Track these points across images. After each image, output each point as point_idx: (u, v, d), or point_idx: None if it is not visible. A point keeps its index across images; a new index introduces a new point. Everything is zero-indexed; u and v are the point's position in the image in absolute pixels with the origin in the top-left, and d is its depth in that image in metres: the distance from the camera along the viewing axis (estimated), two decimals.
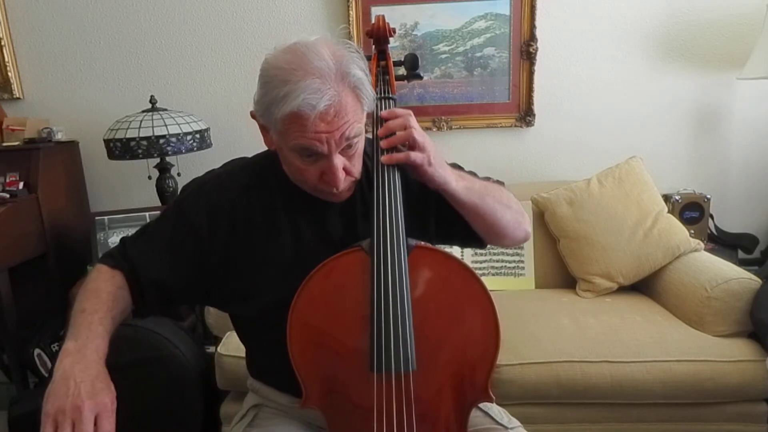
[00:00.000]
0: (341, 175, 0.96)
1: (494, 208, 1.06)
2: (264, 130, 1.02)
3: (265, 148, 1.14)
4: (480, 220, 1.07)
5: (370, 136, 1.11)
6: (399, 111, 1.00)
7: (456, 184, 1.00)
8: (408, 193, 1.07)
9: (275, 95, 0.91)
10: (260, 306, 1.09)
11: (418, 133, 0.97)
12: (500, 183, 1.18)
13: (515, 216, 1.11)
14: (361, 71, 0.95)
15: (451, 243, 1.20)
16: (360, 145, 1.00)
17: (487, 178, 1.17)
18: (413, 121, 0.98)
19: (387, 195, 1.00)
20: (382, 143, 0.99)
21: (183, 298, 1.16)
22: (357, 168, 1.01)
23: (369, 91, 0.97)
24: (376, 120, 1.06)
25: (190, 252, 1.07)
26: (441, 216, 1.11)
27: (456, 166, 1.15)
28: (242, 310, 1.15)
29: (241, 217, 1.08)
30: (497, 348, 0.99)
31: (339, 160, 0.96)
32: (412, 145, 0.97)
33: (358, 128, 0.95)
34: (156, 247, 1.08)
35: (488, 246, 1.18)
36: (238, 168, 1.14)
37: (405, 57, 1.16)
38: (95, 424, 0.84)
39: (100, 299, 1.00)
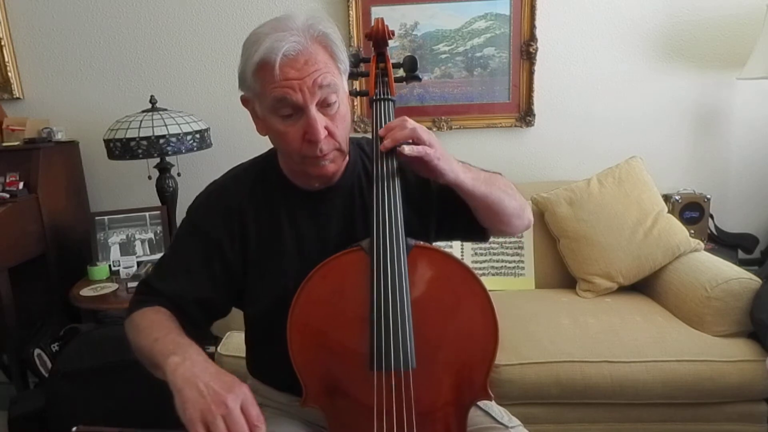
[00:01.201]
0: (321, 129, 0.96)
1: (500, 197, 1.06)
2: (253, 112, 1.03)
3: (263, 148, 1.16)
4: (487, 210, 1.07)
5: (368, 135, 1.12)
6: (394, 122, 0.99)
7: (464, 175, 1.00)
8: (408, 191, 1.08)
9: (248, 54, 0.95)
10: (262, 305, 1.10)
11: (422, 130, 0.96)
12: (498, 174, 1.17)
13: (519, 203, 1.12)
14: (331, 30, 0.97)
15: (454, 238, 1.20)
16: (342, 108, 0.99)
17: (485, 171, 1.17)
18: (411, 121, 0.97)
19: (386, 195, 1.00)
20: (386, 142, 0.97)
21: (226, 308, 1.15)
22: (341, 132, 1.00)
23: (342, 51, 0.99)
24: (375, 124, 1.07)
25: (219, 263, 1.09)
26: (443, 211, 1.11)
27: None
28: (252, 310, 1.16)
29: (249, 219, 1.10)
30: (496, 346, 0.99)
31: (318, 115, 0.96)
32: (419, 141, 0.95)
33: (332, 79, 0.95)
34: (186, 270, 1.08)
35: (490, 239, 1.18)
36: (240, 171, 1.16)
37: (404, 59, 1.16)
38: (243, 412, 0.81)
39: (163, 325, 0.98)
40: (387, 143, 0.97)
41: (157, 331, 0.96)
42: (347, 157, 1.10)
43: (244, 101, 1.04)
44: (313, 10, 1.04)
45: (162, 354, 0.89)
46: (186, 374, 0.84)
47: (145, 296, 1.08)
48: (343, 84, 1.00)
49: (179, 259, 1.10)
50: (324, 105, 0.97)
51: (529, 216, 1.17)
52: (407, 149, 0.94)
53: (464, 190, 1.01)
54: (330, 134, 0.98)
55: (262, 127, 1.03)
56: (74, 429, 0.96)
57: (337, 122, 0.99)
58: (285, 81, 0.92)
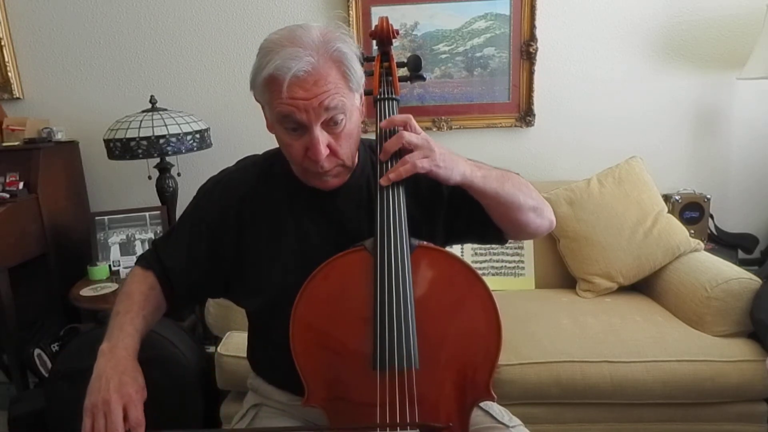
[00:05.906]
0: (323, 149, 0.96)
1: (514, 194, 1.03)
2: (263, 109, 1.04)
3: (263, 147, 1.18)
4: (502, 209, 1.05)
5: (373, 136, 1.12)
6: (397, 118, 1.00)
7: (472, 173, 0.98)
8: (418, 192, 1.08)
9: (260, 63, 0.96)
10: (264, 302, 1.11)
11: (417, 139, 0.95)
12: (514, 173, 1.15)
13: (536, 202, 1.09)
14: (347, 47, 0.96)
15: (468, 241, 1.20)
16: (349, 126, 0.99)
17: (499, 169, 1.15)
18: (407, 134, 0.95)
19: (390, 195, 1.00)
20: (381, 156, 0.99)
21: (207, 292, 1.24)
22: (345, 150, 1.01)
23: (356, 70, 0.98)
24: (378, 121, 1.07)
25: (207, 246, 1.13)
26: (455, 211, 1.10)
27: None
28: (250, 304, 1.18)
29: (249, 213, 1.11)
30: (499, 347, 0.99)
31: (322, 135, 0.96)
32: (414, 147, 0.95)
33: (340, 101, 0.95)
34: (179, 244, 1.15)
35: (507, 242, 1.17)
36: (249, 164, 1.18)
37: (408, 58, 1.16)
38: (125, 413, 0.93)
39: (132, 301, 1.09)
40: (381, 157, 0.99)
41: (123, 305, 1.09)
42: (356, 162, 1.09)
43: (257, 99, 1.04)
44: (329, 19, 1.02)
45: (106, 334, 1.04)
46: (100, 366, 0.98)
47: (150, 256, 1.18)
48: (353, 102, 0.99)
49: (177, 234, 1.18)
50: (330, 124, 0.97)
51: (550, 216, 1.13)
52: (393, 175, 0.96)
53: (474, 188, 1.00)
54: (333, 152, 0.99)
55: (269, 125, 1.04)
56: None
57: (341, 140, 0.99)
58: (291, 99, 0.93)
